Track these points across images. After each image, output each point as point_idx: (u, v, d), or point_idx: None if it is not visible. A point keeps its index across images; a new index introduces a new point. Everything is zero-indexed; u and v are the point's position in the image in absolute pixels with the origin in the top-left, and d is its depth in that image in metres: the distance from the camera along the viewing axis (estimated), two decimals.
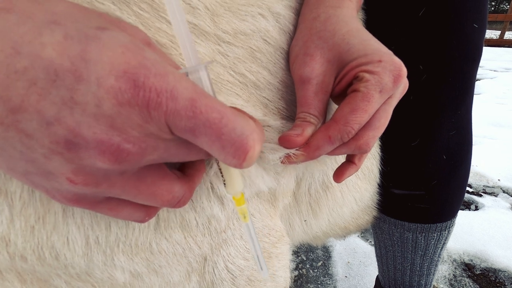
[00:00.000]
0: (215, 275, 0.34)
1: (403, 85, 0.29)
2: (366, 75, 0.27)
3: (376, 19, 0.47)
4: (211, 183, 0.29)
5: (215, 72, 0.28)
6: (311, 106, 0.30)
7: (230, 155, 0.17)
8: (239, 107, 0.29)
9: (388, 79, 0.27)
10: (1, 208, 0.22)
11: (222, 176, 0.24)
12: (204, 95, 0.17)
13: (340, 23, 0.31)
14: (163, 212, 0.28)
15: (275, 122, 0.32)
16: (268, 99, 0.32)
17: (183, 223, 0.29)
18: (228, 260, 0.34)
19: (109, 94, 0.15)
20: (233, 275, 0.35)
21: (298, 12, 0.35)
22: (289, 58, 0.33)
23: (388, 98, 0.29)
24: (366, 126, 0.29)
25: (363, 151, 0.30)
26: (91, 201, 0.20)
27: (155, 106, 0.16)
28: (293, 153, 0.30)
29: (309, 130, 0.29)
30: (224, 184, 0.25)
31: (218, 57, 0.28)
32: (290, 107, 0.34)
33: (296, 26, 0.35)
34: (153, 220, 0.28)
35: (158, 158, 0.19)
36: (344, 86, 0.30)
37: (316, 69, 0.30)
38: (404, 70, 0.28)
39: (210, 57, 0.28)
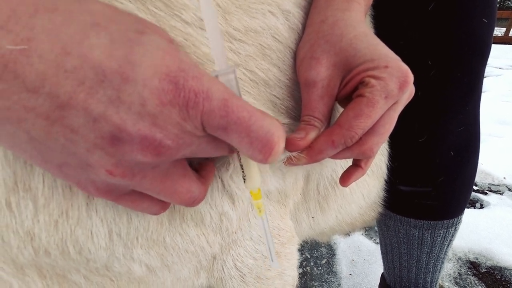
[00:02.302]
0: (224, 272, 0.35)
1: (409, 91, 0.29)
2: (372, 81, 0.27)
3: (385, 14, 0.46)
4: (222, 180, 0.30)
5: None
6: (316, 109, 0.30)
7: (257, 151, 0.19)
8: None
9: (394, 85, 0.27)
10: (25, 203, 0.23)
11: (243, 171, 0.26)
12: (234, 96, 0.19)
13: (348, 27, 0.30)
14: (180, 208, 0.29)
15: (283, 121, 0.32)
16: (277, 97, 0.32)
17: (197, 217, 0.30)
18: (237, 259, 0.35)
19: (153, 94, 0.17)
20: (242, 272, 0.35)
21: (308, 10, 0.35)
22: (295, 60, 0.33)
23: (394, 104, 0.29)
24: (370, 132, 0.29)
25: (367, 156, 0.30)
26: (119, 193, 0.21)
27: (193, 105, 0.17)
28: (294, 156, 0.30)
29: (312, 134, 0.29)
30: (244, 179, 0.26)
31: (230, 55, 0.28)
32: (299, 105, 0.34)
33: (304, 24, 0.34)
34: (166, 215, 0.29)
35: (189, 154, 0.20)
36: (349, 91, 0.30)
37: (321, 72, 0.30)
38: (411, 76, 0.28)
39: None
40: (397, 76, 0.27)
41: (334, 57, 0.30)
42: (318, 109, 0.30)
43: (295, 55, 0.33)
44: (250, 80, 0.30)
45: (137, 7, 0.23)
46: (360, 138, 0.29)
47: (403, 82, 0.27)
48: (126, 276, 0.30)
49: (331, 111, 0.31)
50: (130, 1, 0.23)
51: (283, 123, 0.32)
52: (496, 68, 4.22)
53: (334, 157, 0.30)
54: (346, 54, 0.29)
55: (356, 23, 0.31)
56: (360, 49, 0.29)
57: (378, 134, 0.29)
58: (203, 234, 0.31)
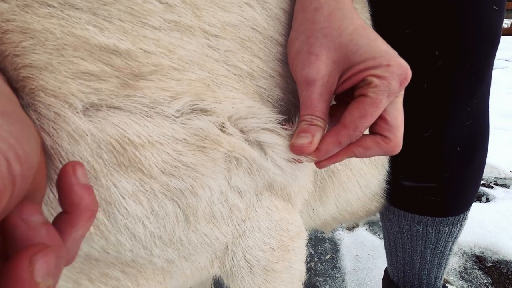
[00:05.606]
0: (234, 263, 0.37)
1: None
2: (375, 80, 0.28)
3: (391, 2, 0.45)
4: (230, 181, 0.30)
5: (209, 68, 0.28)
6: (317, 108, 0.30)
7: None
8: (238, 100, 0.30)
9: (396, 84, 0.28)
10: None
11: None
12: None
13: (345, 20, 0.30)
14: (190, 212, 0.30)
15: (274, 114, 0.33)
16: (263, 88, 0.32)
17: (208, 215, 0.31)
18: (246, 251, 0.36)
19: None
20: (250, 264, 0.37)
21: None
22: (288, 51, 0.32)
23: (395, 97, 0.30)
24: (391, 130, 0.30)
25: (395, 152, 0.31)
26: None
27: None
28: (304, 159, 0.31)
29: (318, 136, 0.30)
30: None
31: (209, 52, 0.28)
32: (286, 96, 0.34)
33: (285, 8, 0.34)
34: (182, 216, 0.30)
35: None
36: (348, 87, 0.30)
37: (321, 70, 0.30)
38: (410, 73, 0.29)
39: (200, 52, 0.28)
40: (398, 74, 0.28)
41: (333, 53, 0.30)
42: (319, 107, 0.30)
43: (277, 44, 0.33)
44: (235, 74, 0.30)
45: (101, 29, 0.23)
46: (386, 138, 0.30)
47: (403, 79, 0.28)
48: (150, 267, 0.33)
49: (329, 107, 0.31)
50: (93, 25, 0.23)
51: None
52: (502, 60, 4.15)
53: (363, 156, 0.32)
54: (346, 50, 0.29)
55: (352, 13, 0.31)
56: (361, 45, 0.29)
57: (398, 128, 0.30)
58: (216, 227, 0.32)
